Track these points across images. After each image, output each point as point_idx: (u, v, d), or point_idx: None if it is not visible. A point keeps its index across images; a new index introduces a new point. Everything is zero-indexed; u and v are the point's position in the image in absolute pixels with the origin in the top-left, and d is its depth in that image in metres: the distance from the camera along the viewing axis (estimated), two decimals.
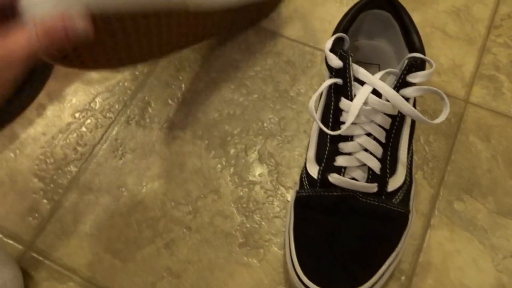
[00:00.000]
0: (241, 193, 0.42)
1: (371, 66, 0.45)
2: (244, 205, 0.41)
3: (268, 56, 0.49)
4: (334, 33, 0.41)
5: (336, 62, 0.34)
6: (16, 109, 0.46)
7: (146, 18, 0.32)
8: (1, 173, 0.44)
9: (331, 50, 0.35)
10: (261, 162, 0.43)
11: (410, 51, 0.39)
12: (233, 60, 0.49)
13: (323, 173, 0.36)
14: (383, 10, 0.41)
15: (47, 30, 0.24)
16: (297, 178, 0.42)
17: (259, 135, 0.44)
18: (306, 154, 0.39)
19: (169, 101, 0.46)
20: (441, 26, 0.49)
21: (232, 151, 0.44)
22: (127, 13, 0.30)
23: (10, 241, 0.41)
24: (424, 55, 0.38)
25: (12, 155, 0.45)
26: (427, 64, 0.37)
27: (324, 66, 0.48)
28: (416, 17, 0.50)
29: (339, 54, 0.35)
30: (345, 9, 0.51)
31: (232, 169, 0.43)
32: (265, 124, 0.45)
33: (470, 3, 0.51)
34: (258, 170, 0.43)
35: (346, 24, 0.40)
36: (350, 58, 0.34)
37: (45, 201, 0.42)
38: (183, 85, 0.47)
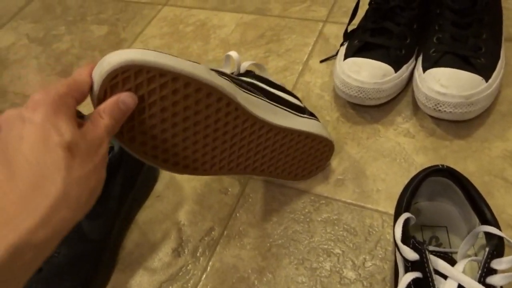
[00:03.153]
0: None
1: (439, 229, 0.43)
2: None
3: (327, 224, 0.48)
4: (396, 210, 0.40)
5: (411, 255, 0.33)
6: None
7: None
8: None
9: (403, 240, 0.34)
10: None
11: (482, 222, 0.38)
12: (293, 232, 0.48)
13: None
14: (443, 178, 0.41)
15: (107, 107, 0.31)
16: None
17: None
18: None
19: (235, 285, 0.45)
20: (500, 173, 0.48)
21: None
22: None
23: None
24: (498, 227, 0.36)
25: None
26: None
27: (387, 230, 0.47)
28: (470, 166, 0.50)
29: (412, 244, 0.34)
30: (396, 165, 0.51)
31: None
32: None
33: None
34: None
35: (409, 197, 0.40)
36: (427, 252, 0.32)
37: None
38: (246, 265, 0.47)
